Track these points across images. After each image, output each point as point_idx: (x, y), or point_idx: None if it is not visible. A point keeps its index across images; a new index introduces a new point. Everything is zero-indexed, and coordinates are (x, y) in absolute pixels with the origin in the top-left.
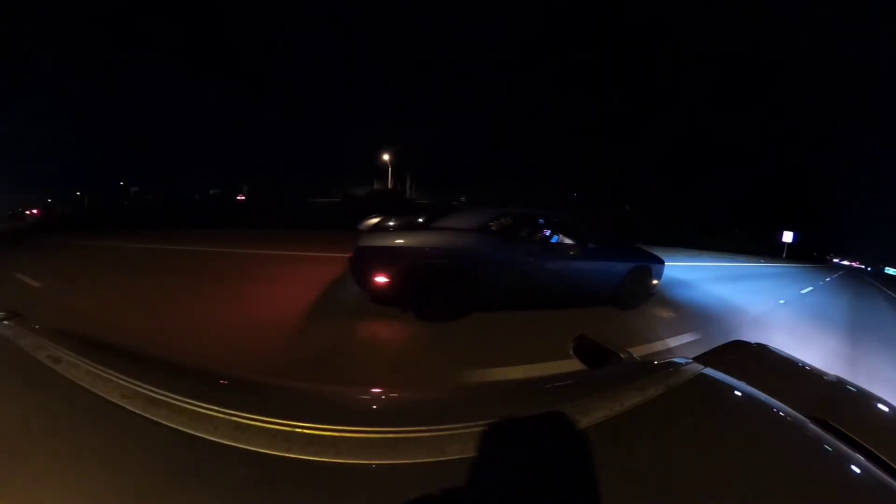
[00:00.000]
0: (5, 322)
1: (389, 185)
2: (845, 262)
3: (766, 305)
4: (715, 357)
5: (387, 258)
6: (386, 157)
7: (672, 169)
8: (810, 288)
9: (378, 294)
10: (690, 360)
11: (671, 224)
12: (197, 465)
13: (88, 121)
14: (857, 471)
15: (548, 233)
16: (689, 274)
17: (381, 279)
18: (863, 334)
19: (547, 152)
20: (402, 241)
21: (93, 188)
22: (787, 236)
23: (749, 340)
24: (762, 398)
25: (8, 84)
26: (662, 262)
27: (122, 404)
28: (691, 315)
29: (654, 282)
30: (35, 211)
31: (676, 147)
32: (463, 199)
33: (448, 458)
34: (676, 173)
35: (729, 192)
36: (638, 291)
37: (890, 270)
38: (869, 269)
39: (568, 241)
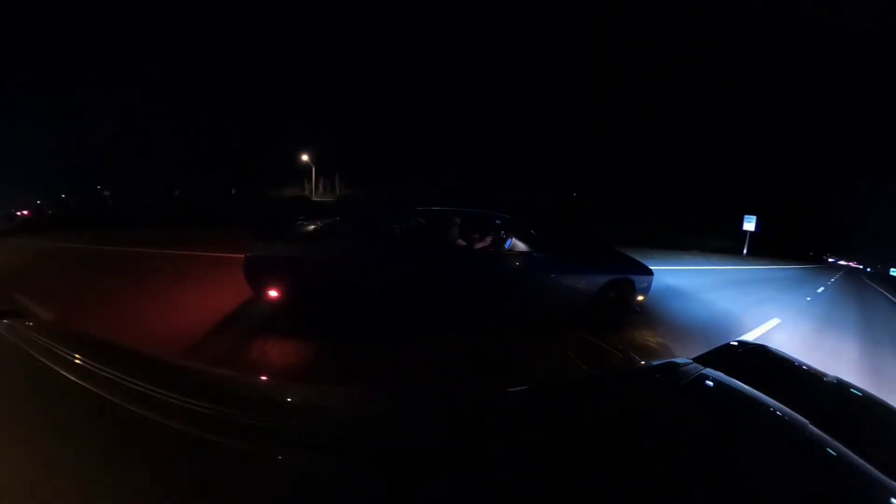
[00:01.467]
0: (5, 321)
1: (313, 184)
2: (842, 262)
3: None
4: (715, 357)
5: (274, 270)
6: (305, 157)
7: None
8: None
9: (277, 308)
10: (690, 361)
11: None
12: (196, 464)
13: (70, 130)
14: (857, 472)
15: (493, 238)
16: None
17: (272, 293)
18: None
19: (484, 142)
20: (286, 250)
21: (76, 191)
22: (749, 224)
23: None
24: (762, 399)
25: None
26: (650, 273)
27: (121, 403)
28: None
29: (639, 298)
30: (25, 212)
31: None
32: (386, 194)
33: (444, 458)
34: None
35: (718, 186)
36: (616, 311)
37: None
38: (868, 269)
39: (519, 247)
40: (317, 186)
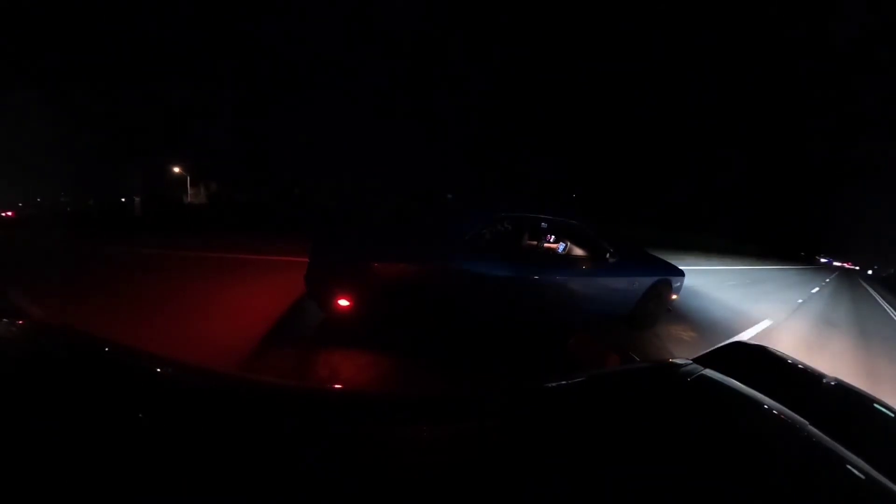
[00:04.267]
0: (4, 320)
1: (188, 189)
2: (837, 263)
3: None
4: (715, 358)
5: (348, 277)
6: (177, 169)
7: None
8: None
9: (342, 319)
10: (690, 362)
11: None
12: (192, 465)
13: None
14: (856, 472)
15: (559, 243)
16: None
17: (343, 302)
18: None
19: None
20: (363, 256)
21: (46, 195)
22: None
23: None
24: (762, 399)
25: None
26: (682, 274)
27: (119, 402)
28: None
29: (674, 297)
30: (10, 213)
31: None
32: (450, 196)
33: (442, 459)
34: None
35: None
36: (657, 309)
37: None
38: (869, 271)
39: (578, 251)
40: (196, 191)
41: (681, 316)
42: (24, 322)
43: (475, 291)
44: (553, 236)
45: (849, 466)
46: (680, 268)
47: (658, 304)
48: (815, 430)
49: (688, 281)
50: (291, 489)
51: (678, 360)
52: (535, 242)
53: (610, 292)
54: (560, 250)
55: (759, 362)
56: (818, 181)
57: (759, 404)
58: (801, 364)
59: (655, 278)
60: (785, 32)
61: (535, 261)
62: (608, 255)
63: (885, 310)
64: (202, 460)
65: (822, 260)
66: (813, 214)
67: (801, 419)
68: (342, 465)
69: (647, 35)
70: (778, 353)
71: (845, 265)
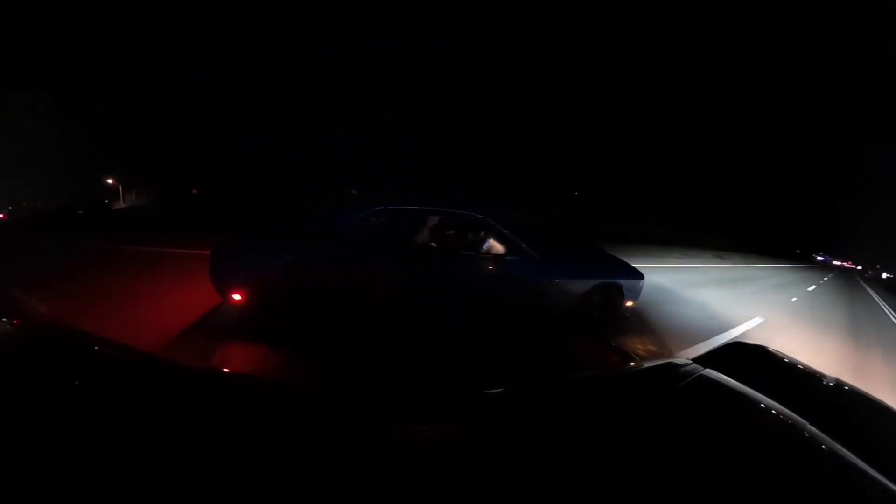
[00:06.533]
0: (3, 319)
1: (121, 195)
2: (836, 262)
3: None
4: (715, 358)
5: (239, 271)
6: (110, 181)
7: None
8: None
9: (242, 311)
10: (690, 362)
11: None
12: (191, 464)
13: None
14: (855, 472)
15: (483, 242)
16: None
17: (235, 296)
18: None
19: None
20: (251, 250)
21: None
22: None
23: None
24: (761, 399)
25: None
26: (640, 277)
27: (117, 402)
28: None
29: (628, 303)
30: (1, 215)
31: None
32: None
33: (442, 459)
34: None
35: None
36: (603, 317)
37: None
38: (884, 275)
39: (495, 249)
40: (125, 197)
41: (641, 323)
42: (23, 322)
43: (356, 287)
44: (455, 231)
45: (849, 466)
46: (638, 269)
47: (606, 312)
48: (815, 430)
49: (666, 279)
50: (291, 489)
51: (678, 361)
52: (427, 238)
53: (527, 297)
54: (483, 248)
55: (758, 362)
56: (818, 181)
57: (759, 404)
58: (801, 364)
59: (596, 282)
60: (785, 32)
61: (417, 258)
62: (521, 254)
63: None
64: (202, 460)
65: (819, 258)
66: (813, 214)
67: (801, 419)
68: (341, 465)
69: (648, 35)
70: (778, 353)
71: (844, 264)
